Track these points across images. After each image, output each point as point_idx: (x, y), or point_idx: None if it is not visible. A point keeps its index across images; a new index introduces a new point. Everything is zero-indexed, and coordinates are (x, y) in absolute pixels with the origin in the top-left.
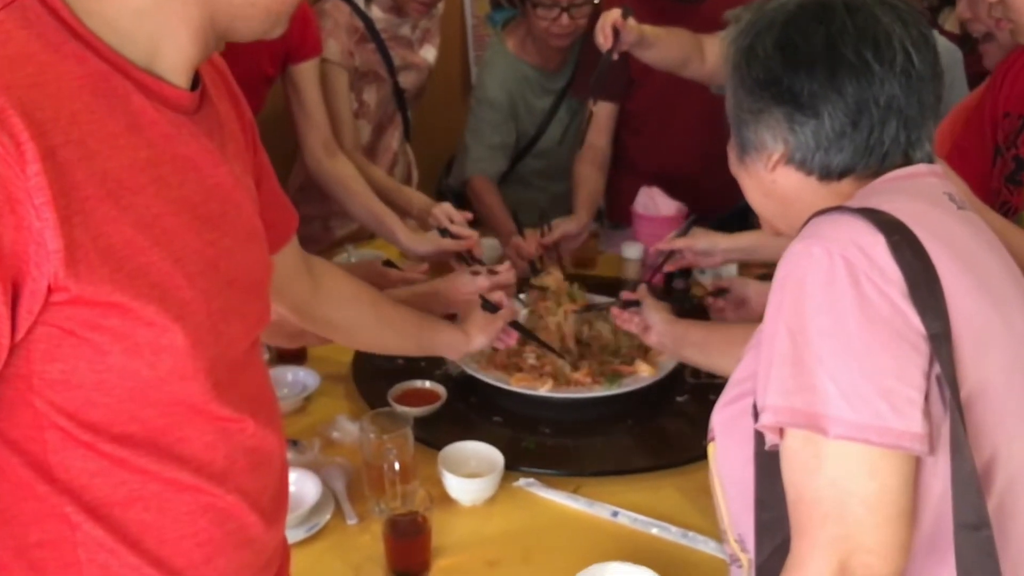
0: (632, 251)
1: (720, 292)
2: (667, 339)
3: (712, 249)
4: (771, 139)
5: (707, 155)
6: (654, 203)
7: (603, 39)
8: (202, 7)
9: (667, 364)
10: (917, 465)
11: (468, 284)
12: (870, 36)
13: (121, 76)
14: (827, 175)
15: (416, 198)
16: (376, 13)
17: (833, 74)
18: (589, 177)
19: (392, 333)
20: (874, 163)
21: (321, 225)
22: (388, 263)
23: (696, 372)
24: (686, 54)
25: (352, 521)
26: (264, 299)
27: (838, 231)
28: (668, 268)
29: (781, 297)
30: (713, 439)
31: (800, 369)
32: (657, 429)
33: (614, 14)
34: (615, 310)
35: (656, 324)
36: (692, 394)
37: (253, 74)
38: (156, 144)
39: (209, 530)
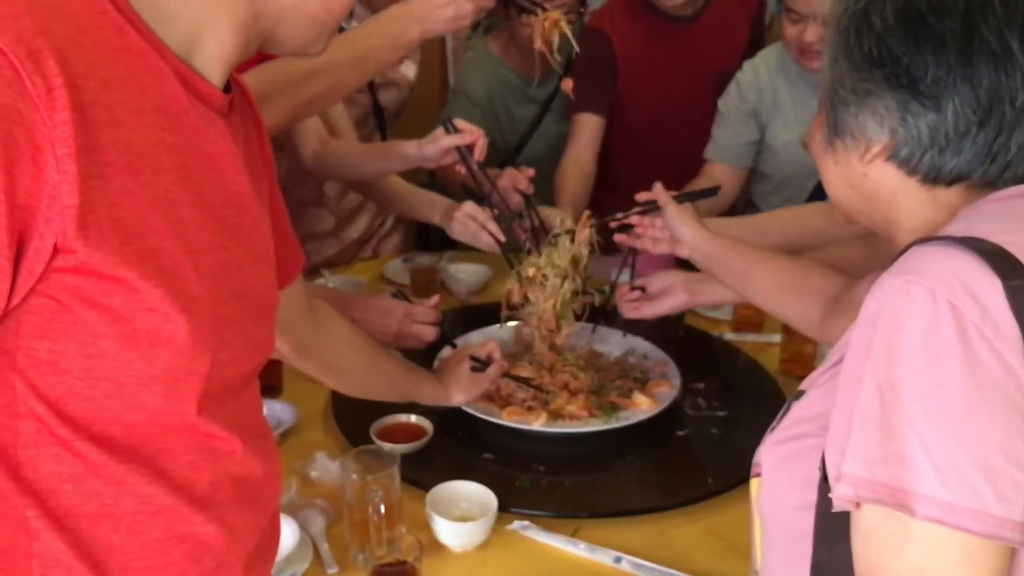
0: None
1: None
2: (700, 256)
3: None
4: (875, 127)
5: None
6: None
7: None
8: (250, 1)
9: (666, 396)
10: (1012, 555)
11: (428, 143)
12: (1019, 20)
13: (157, 57)
14: (934, 179)
15: (438, 201)
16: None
17: (967, 60)
18: (574, 189)
19: (381, 380)
20: (993, 172)
21: None
22: (398, 295)
23: (696, 405)
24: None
25: (332, 570)
26: (269, 327)
27: (945, 269)
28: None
29: (869, 338)
30: (759, 474)
31: (887, 434)
32: (659, 465)
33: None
34: (635, 219)
35: (688, 238)
36: (693, 427)
37: None
38: (182, 132)
39: (181, 564)
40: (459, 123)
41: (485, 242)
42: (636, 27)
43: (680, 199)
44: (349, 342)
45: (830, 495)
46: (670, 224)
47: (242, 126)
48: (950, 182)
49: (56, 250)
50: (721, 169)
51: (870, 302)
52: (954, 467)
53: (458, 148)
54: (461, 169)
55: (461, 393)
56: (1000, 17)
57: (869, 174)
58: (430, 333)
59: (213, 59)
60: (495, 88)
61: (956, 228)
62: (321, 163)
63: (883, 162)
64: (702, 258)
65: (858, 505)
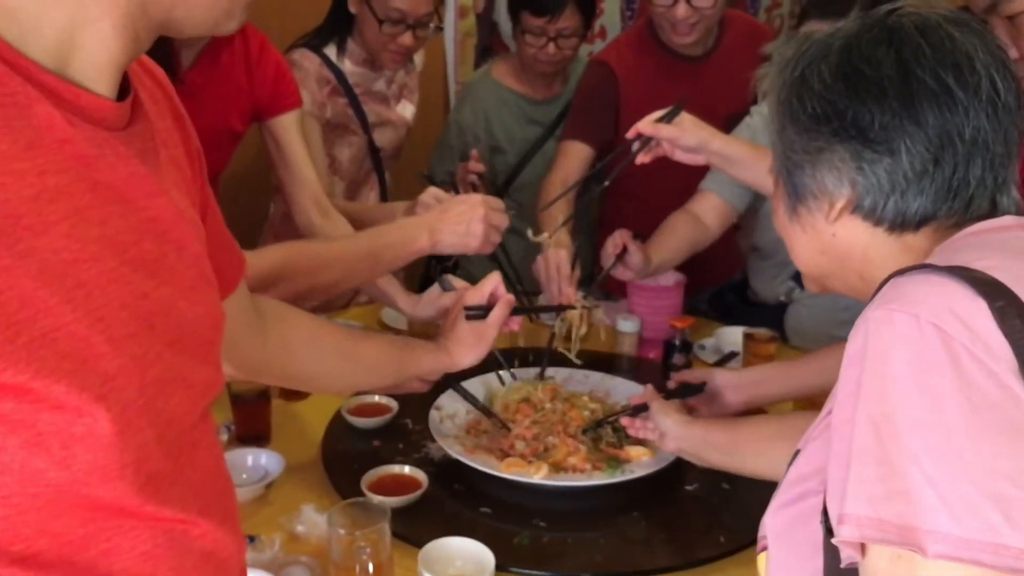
0: (628, 325)
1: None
2: (685, 444)
3: (702, 147)
4: (834, 182)
5: None
6: None
7: (612, 248)
8: None
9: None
10: None
11: (425, 304)
12: (949, 59)
13: (21, 80)
14: (901, 225)
15: (399, 204)
16: (348, 67)
17: (909, 102)
18: (558, 206)
19: (364, 372)
20: (958, 209)
21: None
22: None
23: None
24: (692, 243)
25: None
26: (214, 361)
27: (926, 294)
28: (642, 159)
29: (857, 375)
30: (765, 548)
31: (888, 470)
32: (667, 522)
33: (626, 232)
34: (625, 420)
35: (670, 430)
36: (702, 482)
37: (218, 129)
38: (69, 169)
39: None
40: (455, 281)
41: None
42: (644, 64)
43: (668, 396)
44: (313, 344)
45: (833, 540)
46: (654, 418)
47: (150, 134)
48: (917, 225)
49: None
50: (713, 201)
51: (854, 339)
52: (962, 499)
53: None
54: None
55: (469, 353)
56: (931, 58)
57: (837, 233)
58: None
59: (96, 65)
60: (492, 110)
61: (933, 261)
62: (313, 237)
63: (849, 216)
64: (687, 445)
65: (863, 551)
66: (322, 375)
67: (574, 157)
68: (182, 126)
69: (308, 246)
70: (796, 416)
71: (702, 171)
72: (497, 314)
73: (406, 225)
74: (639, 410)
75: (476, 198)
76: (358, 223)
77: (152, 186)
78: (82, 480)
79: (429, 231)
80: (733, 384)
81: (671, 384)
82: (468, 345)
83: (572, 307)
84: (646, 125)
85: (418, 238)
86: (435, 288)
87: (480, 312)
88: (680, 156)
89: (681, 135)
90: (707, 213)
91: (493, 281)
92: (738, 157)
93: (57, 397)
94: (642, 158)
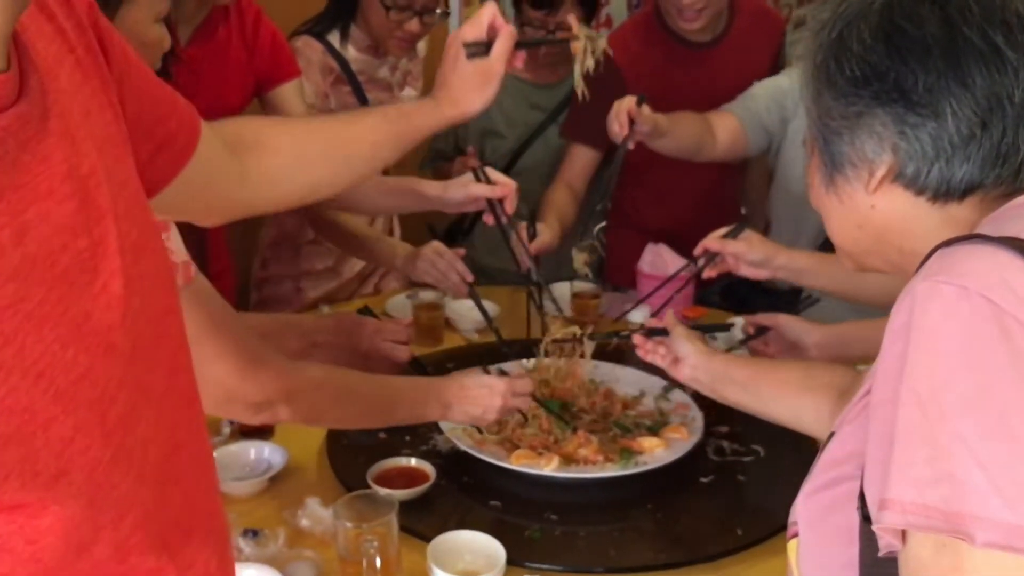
0: (638, 315)
1: (761, 331)
2: (702, 374)
3: (767, 262)
4: (875, 148)
5: (715, 210)
6: (662, 261)
7: (618, 127)
8: None
9: (684, 442)
10: None
11: (455, 187)
12: (998, 17)
13: None
14: (945, 193)
15: (400, 247)
16: (352, 53)
17: (956, 63)
18: (562, 207)
19: (358, 166)
20: (1007, 177)
21: (292, 286)
22: (365, 310)
23: (720, 449)
24: (699, 139)
25: None
26: (177, 327)
27: (976, 265)
28: (708, 274)
29: (902, 351)
30: (796, 535)
31: (935, 452)
32: (682, 515)
33: (628, 101)
34: (637, 338)
35: (689, 356)
36: (718, 474)
37: (219, 103)
38: None
39: None
40: (492, 173)
41: (453, 281)
42: (652, 53)
43: (691, 327)
44: (298, 161)
45: (873, 527)
46: (675, 343)
47: (40, 85)
48: (963, 194)
49: None
50: (731, 123)
51: (898, 313)
52: (1016, 484)
53: (489, 200)
54: (489, 219)
55: (477, 96)
56: (978, 15)
57: (876, 205)
58: (403, 352)
59: None
60: None
61: (982, 231)
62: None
63: (889, 185)
64: (704, 374)
65: (904, 539)
66: (314, 187)
67: (579, 161)
68: (70, 8)
69: (342, 375)
70: (825, 369)
71: (717, 167)
72: (500, 47)
73: (424, 389)
74: (654, 332)
75: (500, 387)
76: (354, 241)
77: (63, 166)
78: (54, 567)
79: (443, 406)
80: (817, 340)
81: (749, 329)
82: (474, 87)
83: (576, 37)
84: (712, 241)
85: (430, 407)
86: (469, 174)
87: (481, 48)
88: (744, 270)
89: (748, 251)
90: (721, 128)
91: (490, 12)
92: (806, 267)
93: (11, 496)
94: (708, 272)
